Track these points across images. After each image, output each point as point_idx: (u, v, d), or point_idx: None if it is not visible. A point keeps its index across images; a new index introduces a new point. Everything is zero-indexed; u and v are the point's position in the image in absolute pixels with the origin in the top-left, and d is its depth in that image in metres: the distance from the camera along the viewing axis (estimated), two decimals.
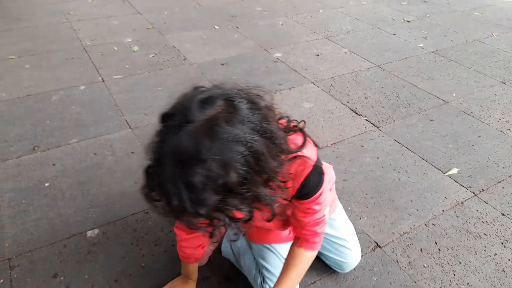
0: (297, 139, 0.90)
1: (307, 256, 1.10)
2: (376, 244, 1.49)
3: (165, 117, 0.73)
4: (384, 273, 1.39)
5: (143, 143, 1.84)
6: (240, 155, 0.68)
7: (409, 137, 2.10)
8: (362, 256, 1.42)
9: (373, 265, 1.41)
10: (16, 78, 2.46)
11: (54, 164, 1.78)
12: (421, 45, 3.26)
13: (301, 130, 0.92)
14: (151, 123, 2.07)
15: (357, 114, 2.29)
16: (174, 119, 0.70)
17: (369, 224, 1.57)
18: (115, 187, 1.68)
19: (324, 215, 1.05)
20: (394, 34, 3.44)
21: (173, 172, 0.67)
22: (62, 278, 1.31)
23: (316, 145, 0.99)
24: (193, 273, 1.25)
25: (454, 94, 2.53)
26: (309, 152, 0.92)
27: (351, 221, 1.42)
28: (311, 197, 0.98)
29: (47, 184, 1.67)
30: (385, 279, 1.37)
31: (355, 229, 1.41)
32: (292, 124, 0.91)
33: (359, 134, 2.11)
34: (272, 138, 0.74)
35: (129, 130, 2.04)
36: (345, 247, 1.32)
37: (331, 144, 2.02)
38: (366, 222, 1.58)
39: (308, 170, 0.92)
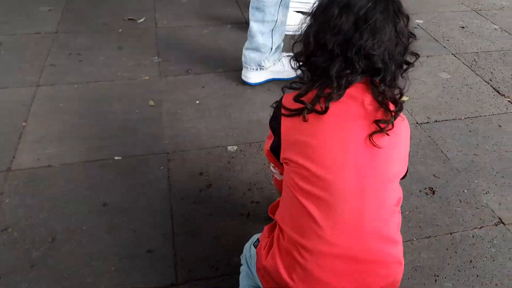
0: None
1: None
2: (499, 220, 1.46)
3: None
4: (504, 248, 1.37)
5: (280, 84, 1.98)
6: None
7: None
8: (482, 227, 1.43)
9: (493, 238, 1.40)
10: (175, 12, 2.79)
11: (203, 87, 2.05)
12: None
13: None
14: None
15: (499, 93, 2.13)
16: None
17: (495, 201, 1.53)
18: (253, 115, 1.88)
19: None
20: None
21: None
22: (207, 176, 1.57)
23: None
24: None
25: None
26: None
27: (474, 194, 1.40)
28: None
29: (197, 102, 1.95)
30: (504, 253, 1.35)
31: (478, 202, 1.39)
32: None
33: (498, 114, 1.99)
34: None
35: None
36: None
37: (464, 118, 1.95)
38: (492, 197, 1.54)
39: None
